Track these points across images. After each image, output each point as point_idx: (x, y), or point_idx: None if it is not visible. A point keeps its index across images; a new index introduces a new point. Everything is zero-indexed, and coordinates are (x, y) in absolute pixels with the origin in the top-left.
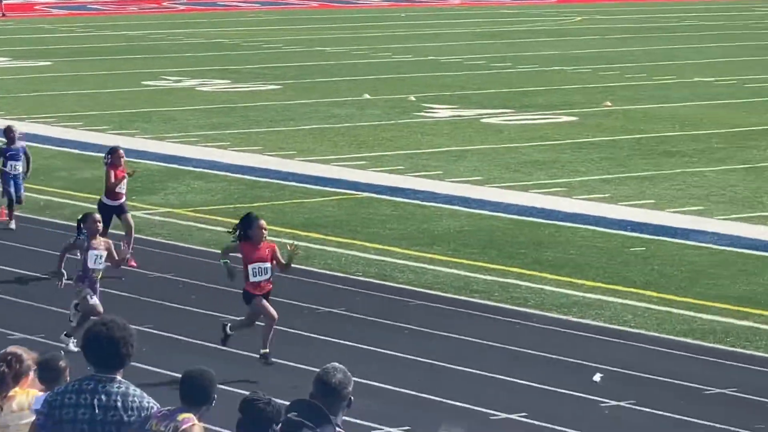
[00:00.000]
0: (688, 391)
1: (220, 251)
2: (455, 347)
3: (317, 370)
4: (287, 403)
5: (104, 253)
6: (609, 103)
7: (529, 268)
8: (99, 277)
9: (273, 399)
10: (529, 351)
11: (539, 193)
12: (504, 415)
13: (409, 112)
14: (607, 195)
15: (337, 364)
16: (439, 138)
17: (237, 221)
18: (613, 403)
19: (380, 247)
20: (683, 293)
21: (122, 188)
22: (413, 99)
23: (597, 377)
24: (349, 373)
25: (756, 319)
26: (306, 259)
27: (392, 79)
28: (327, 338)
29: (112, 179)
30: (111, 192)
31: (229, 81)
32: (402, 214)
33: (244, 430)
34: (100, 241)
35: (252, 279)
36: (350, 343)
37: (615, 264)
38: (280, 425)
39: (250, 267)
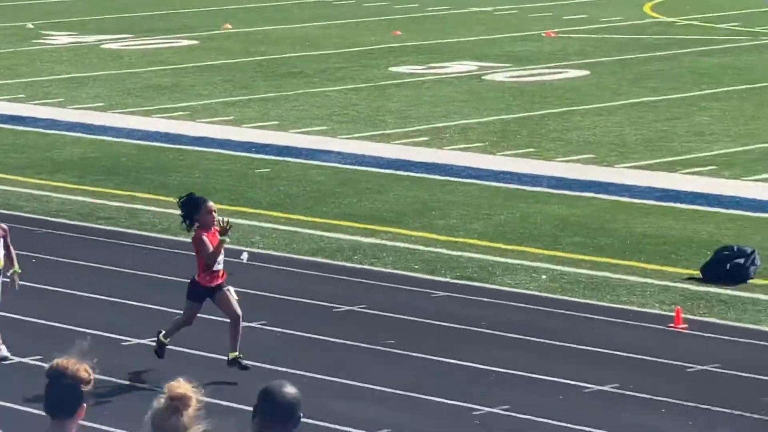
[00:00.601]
0: (318, 309)
1: (211, 260)
2: (84, 274)
3: None
4: None
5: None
6: (229, 26)
7: (155, 193)
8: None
9: None
10: (159, 275)
11: (162, 117)
12: (136, 341)
13: (28, 39)
14: (230, 118)
15: None
16: (59, 65)
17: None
18: (244, 324)
19: (3, 176)
20: (309, 213)
21: None
22: (31, 26)
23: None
24: None
25: (382, 236)
26: None
27: (8, 6)
28: None
29: None
30: None
31: None
32: (24, 143)
33: None
34: None
35: (215, 267)
36: None
37: (241, 186)
38: None
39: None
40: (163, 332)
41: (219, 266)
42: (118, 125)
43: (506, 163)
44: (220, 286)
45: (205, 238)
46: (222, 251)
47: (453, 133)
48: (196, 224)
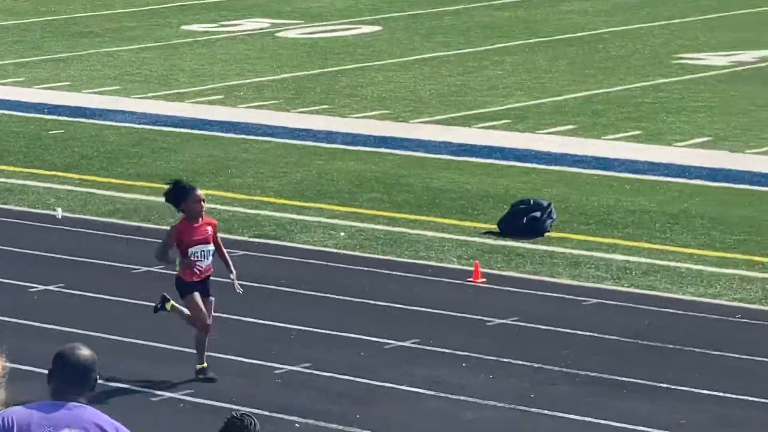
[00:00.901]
0: (115, 270)
1: (157, 250)
2: None
3: None
4: None
5: None
6: None
7: None
8: None
9: None
10: None
11: None
12: None
13: None
14: (22, 79)
15: None
16: None
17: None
18: (42, 287)
19: None
20: (105, 174)
21: None
22: None
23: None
24: None
25: None
26: None
27: None
28: None
29: None
30: None
31: None
32: None
33: None
34: None
35: (197, 264)
36: None
37: (34, 148)
38: None
39: (190, 251)
40: (173, 303)
41: (206, 262)
42: None
43: (301, 120)
44: (206, 287)
45: (174, 231)
46: (210, 247)
47: (247, 91)
48: (181, 213)
